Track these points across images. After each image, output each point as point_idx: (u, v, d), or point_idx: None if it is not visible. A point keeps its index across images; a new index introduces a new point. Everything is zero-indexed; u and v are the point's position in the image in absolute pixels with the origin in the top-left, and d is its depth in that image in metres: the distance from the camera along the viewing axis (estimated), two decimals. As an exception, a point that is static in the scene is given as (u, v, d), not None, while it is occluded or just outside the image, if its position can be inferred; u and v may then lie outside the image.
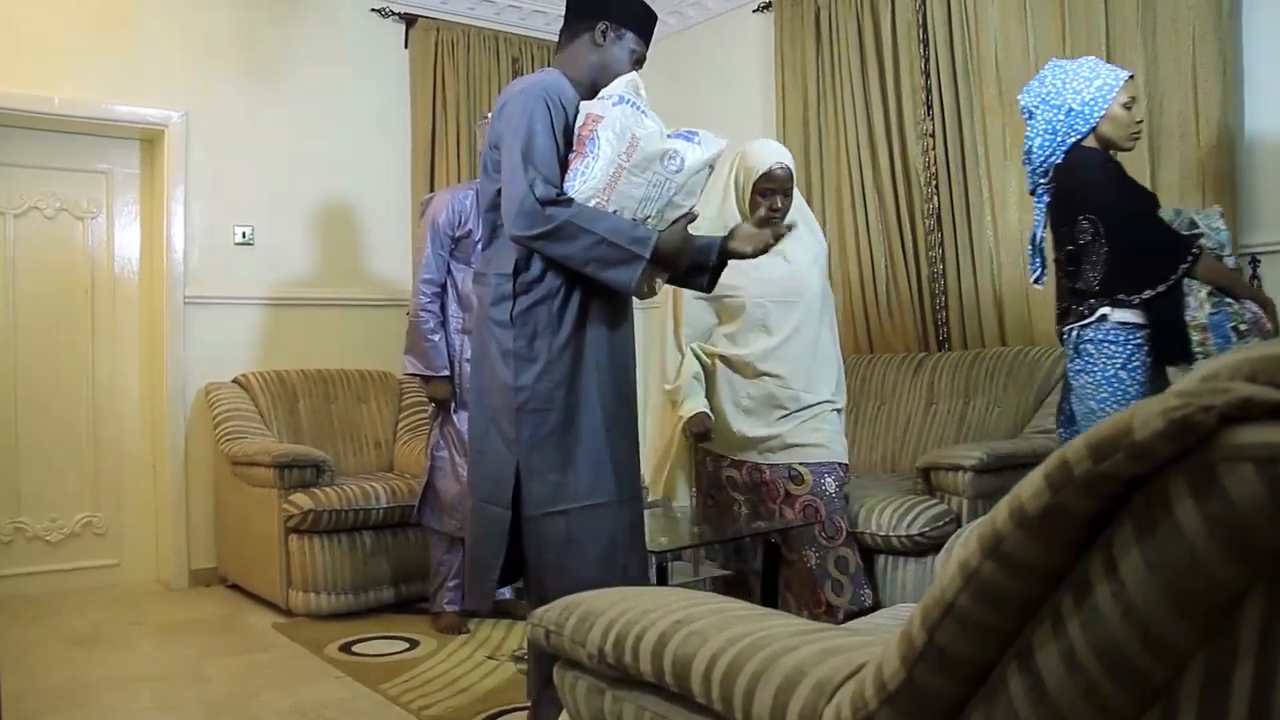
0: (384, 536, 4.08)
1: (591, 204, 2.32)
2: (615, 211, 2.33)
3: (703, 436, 3.18)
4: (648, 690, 1.35)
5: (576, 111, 2.41)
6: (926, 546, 3.24)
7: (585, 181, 2.32)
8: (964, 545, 0.89)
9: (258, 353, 4.77)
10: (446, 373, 3.78)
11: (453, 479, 3.76)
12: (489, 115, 3.85)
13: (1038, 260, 3.00)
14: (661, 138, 2.34)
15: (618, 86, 2.41)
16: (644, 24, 2.57)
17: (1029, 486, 0.83)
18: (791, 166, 3.15)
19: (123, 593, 4.48)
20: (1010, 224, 4.05)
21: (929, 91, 4.30)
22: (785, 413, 3.18)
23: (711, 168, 2.44)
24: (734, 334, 3.22)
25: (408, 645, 3.60)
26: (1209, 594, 0.75)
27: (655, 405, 3.52)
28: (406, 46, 5.20)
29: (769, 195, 3.08)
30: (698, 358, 3.26)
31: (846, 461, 3.26)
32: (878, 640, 1.14)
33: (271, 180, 4.82)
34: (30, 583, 4.40)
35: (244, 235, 4.76)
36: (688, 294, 3.13)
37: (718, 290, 2.73)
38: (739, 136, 5.08)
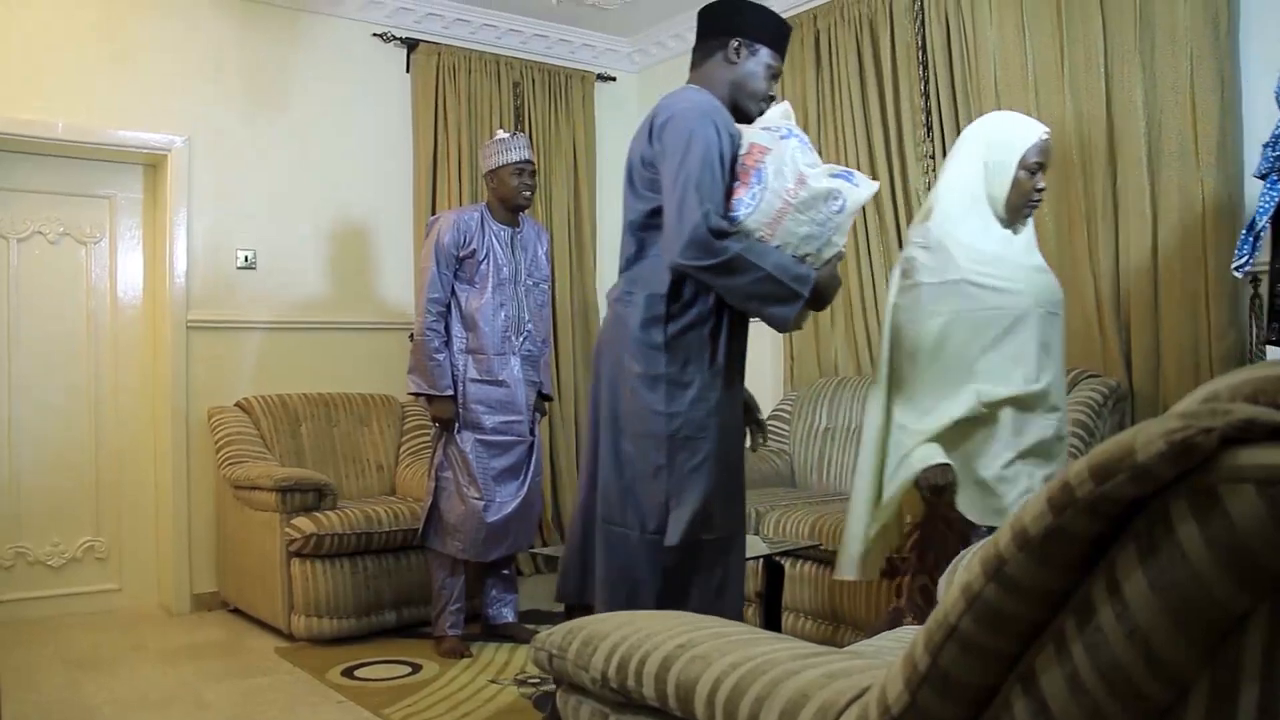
0: (386, 560, 4.07)
1: (755, 237, 2.28)
2: (778, 247, 2.29)
3: (940, 491, 2.53)
4: (651, 715, 1.34)
5: (736, 137, 2.38)
6: (930, 567, 3.22)
7: (750, 214, 2.28)
8: (967, 568, 0.89)
9: (260, 376, 4.77)
10: (450, 392, 3.75)
11: (456, 499, 3.75)
12: (492, 139, 3.91)
13: (1247, 247, 2.79)
14: (826, 177, 2.30)
15: (776, 117, 2.37)
16: (778, 38, 2.51)
17: (1031, 509, 0.83)
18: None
19: (124, 617, 4.47)
20: (1011, 244, 4.05)
21: (929, 113, 4.32)
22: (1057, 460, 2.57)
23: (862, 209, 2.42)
24: (1018, 358, 2.53)
25: (410, 669, 3.58)
26: (1212, 615, 0.75)
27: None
28: (408, 70, 5.23)
29: (1036, 172, 2.62)
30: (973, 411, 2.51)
31: None
32: (881, 664, 1.14)
33: (273, 204, 4.84)
34: (32, 607, 4.38)
35: (246, 259, 4.78)
36: (958, 305, 2.55)
37: (983, 301, 2.49)
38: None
